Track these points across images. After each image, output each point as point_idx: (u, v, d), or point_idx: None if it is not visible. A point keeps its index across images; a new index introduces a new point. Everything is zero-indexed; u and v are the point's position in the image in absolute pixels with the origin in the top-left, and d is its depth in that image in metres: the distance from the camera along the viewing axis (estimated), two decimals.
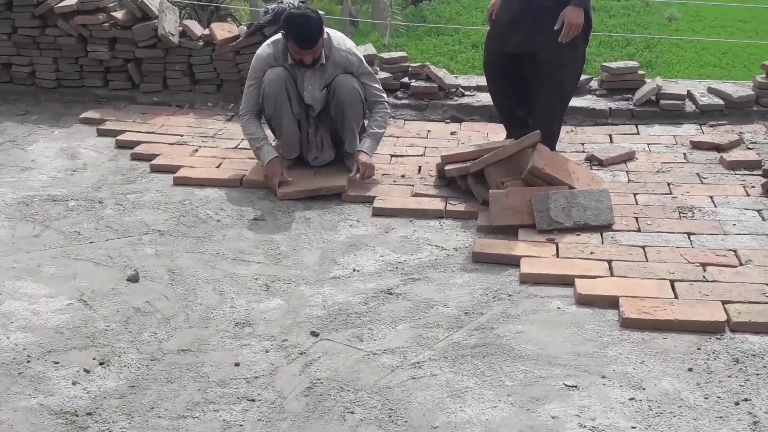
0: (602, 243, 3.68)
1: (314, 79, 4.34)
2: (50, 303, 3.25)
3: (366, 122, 4.49)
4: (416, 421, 2.57)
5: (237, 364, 2.87)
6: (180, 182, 4.42)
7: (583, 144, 4.90)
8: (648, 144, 4.91)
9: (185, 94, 5.69)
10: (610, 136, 5.08)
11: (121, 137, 5.02)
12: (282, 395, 2.70)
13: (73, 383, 2.75)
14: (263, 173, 4.31)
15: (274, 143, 4.51)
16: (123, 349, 2.96)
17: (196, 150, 4.83)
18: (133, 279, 3.44)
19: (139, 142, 4.92)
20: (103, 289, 3.37)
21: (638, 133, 5.11)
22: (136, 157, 4.77)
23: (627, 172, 4.51)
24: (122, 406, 2.64)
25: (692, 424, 2.54)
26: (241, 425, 2.55)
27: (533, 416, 2.58)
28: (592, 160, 4.63)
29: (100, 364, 2.87)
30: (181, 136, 5.05)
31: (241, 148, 4.85)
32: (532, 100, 4.47)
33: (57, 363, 2.87)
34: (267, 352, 2.95)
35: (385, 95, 4.50)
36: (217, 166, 4.59)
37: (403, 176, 4.46)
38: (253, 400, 2.67)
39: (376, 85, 4.46)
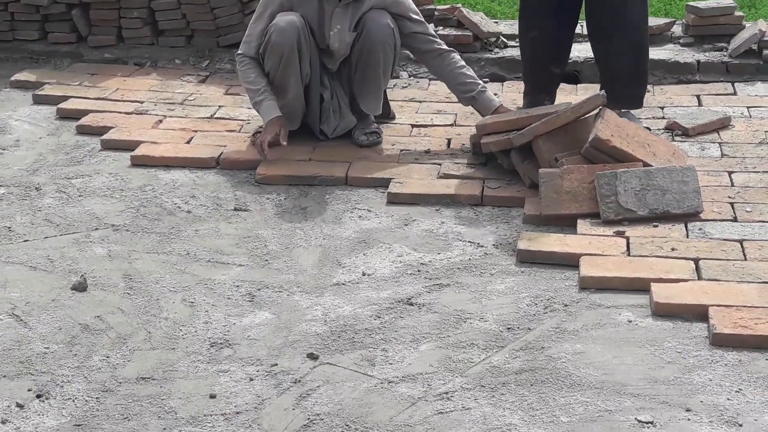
0: (687, 237, 3.66)
1: (345, 16, 4.36)
2: None
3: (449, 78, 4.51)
4: None
5: (213, 396, 2.88)
6: (139, 162, 4.45)
7: (662, 108, 4.88)
8: (747, 107, 4.88)
9: (146, 49, 5.72)
10: (697, 97, 5.04)
11: (63, 105, 5.06)
12: None
13: (2, 422, 2.78)
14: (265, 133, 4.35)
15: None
16: (67, 377, 2.98)
17: (160, 121, 4.86)
18: (80, 287, 3.46)
19: (86, 112, 4.96)
20: (40, 301, 3.40)
21: (735, 94, 5.07)
22: (82, 131, 4.80)
23: (720, 144, 4.48)
24: None
25: None
26: None
27: None
28: (675, 129, 4.60)
29: (38, 396, 2.89)
30: (141, 103, 5.07)
31: (217, 118, 4.87)
32: (599, 46, 4.48)
33: None
34: (251, 380, 2.96)
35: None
36: (187, 142, 4.62)
37: (427, 152, 4.47)
38: None
39: (430, 31, 4.52)
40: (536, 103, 4.53)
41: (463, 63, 4.54)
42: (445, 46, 4.54)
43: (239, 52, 4.47)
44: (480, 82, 4.51)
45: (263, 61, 4.41)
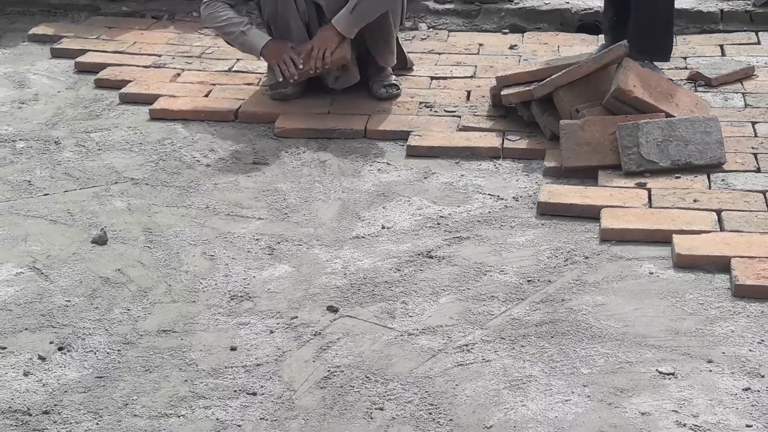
0: (709, 188, 3.63)
1: None
2: None
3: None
4: (464, 419, 2.58)
5: (233, 349, 2.89)
6: (158, 116, 4.44)
7: (685, 58, 4.82)
8: None
9: (163, 2, 5.67)
10: (721, 47, 4.98)
11: (81, 59, 5.04)
12: (291, 387, 2.73)
13: (25, 374, 2.80)
14: (268, 60, 4.28)
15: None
16: (88, 329, 3.00)
17: (178, 74, 4.84)
18: (100, 241, 3.47)
19: (104, 65, 4.94)
20: (61, 254, 3.41)
21: (759, 43, 5.00)
22: (101, 85, 4.79)
23: (743, 94, 4.43)
24: (87, 402, 2.68)
25: None
26: (239, 425, 2.58)
27: (617, 412, 2.57)
28: (698, 80, 4.55)
29: (59, 349, 2.91)
30: (159, 56, 5.05)
31: (235, 71, 4.84)
32: None
33: (4, 348, 2.91)
34: (272, 332, 2.97)
35: None
36: (206, 95, 4.60)
37: (447, 105, 4.43)
38: (254, 394, 2.70)
39: None
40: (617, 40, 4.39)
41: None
42: None
43: None
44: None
45: (260, 11, 4.38)
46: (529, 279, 3.19)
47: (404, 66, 4.69)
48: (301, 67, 4.25)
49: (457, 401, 2.65)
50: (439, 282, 3.19)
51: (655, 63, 4.51)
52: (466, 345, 2.88)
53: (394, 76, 4.51)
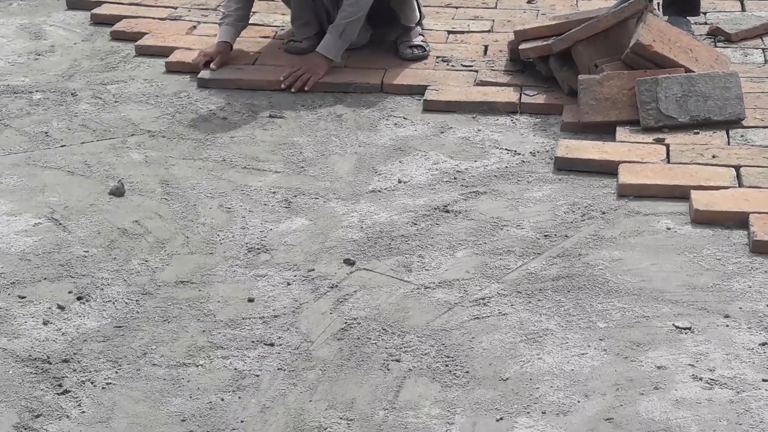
0: (728, 144, 3.61)
1: None
2: (12, 223, 3.31)
3: None
4: (480, 371, 2.59)
5: (251, 300, 2.91)
6: (174, 68, 4.43)
7: (705, 13, 4.77)
8: None
9: None
10: (741, 2, 4.93)
11: (97, 11, 5.03)
12: (308, 339, 2.74)
13: (45, 323, 2.82)
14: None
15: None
16: (106, 280, 3.01)
17: (194, 27, 4.82)
18: (118, 192, 3.48)
19: (120, 17, 4.92)
20: (79, 206, 3.42)
21: None
22: (117, 37, 4.77)
23: (764, 50, 4.40)
24: (107, 352, 2.70)
25: None
26: (257, 375, 2.60)
27: (633, 366, 2.58)
28: (717, 35, 4.52)
29: (78, 299, 2.92)
30: (175, 8, 5.03)
31: (251, 24, 4.80)
32: None
33: (23, 298, 2.93)
34: (289, 284, 2.98)
35: None
36: None
37: (464, 59, 4.40)
38: (272, 345, 2.71)
39: None
40: None
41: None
42: None
43: None
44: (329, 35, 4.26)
45: None
46: (546, 234, 3.18)
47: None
48: (213, 67, 4.29)
49: (473, 354, 2.66)
50: (455, 236, 3.19)
51: (687, 17, 4.49)
52: (483, 299, 2.89)
53: (422, 37, 4.46)
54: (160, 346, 2.71)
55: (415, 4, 4.44)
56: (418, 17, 4.46)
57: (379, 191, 3.48)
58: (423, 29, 4.55)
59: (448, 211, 3.34)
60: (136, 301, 2.91)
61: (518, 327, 2.76)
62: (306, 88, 4.18)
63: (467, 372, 2.59)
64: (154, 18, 4.90)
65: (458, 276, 3.00)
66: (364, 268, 3.05)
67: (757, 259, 3.00)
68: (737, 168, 3.42)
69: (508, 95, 4.07)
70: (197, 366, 2.64)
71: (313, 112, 4.06)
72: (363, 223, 3.29)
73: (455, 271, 3.02)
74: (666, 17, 4.48)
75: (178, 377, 2.59)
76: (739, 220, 3.15)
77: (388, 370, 2.61)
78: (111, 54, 4.61)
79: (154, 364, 2.64)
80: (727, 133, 3.67)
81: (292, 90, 4.18)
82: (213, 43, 4.40)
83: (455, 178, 3.54)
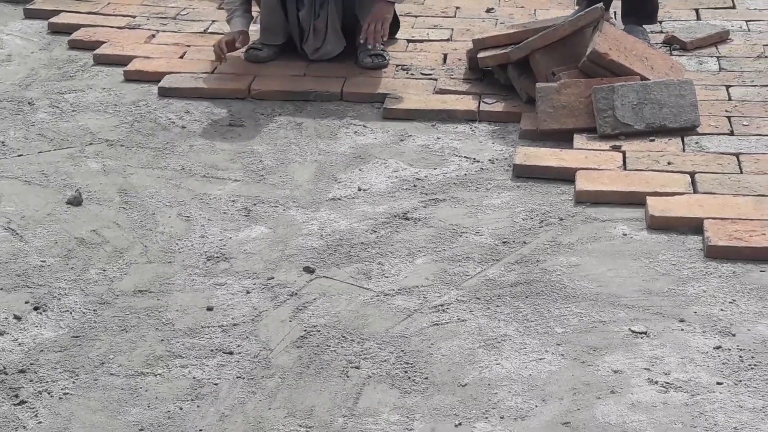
0: (683, 150, 3.66)
1: None
2: None
3: None
4: (439, 377, 2.60)
5: (210, 309, 2.90)
6: (133, 77, 4.41)
7: (660, 22, 4.82)
8: (746, 21, 4.84)
9: None
10: (696, 11, 4.99)
11: (55, 19, 4.99)
12: (268, 347, 2.74)
13: (1, 333, 2.79)
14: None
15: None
16: (64, 290, 2.99)
17: (153, 36, 4.80)
18: (75, 202, 3.45)
19: (78, 26, 4.89)
20: (36, 215, 3.39)
21: (734, 7, 5.02)
22: (75, 45, 4.75)
23: (718, 58, 4.45)
24: (64, 362, 2.68)
25: None
26: (216, 384, 2.59)
27: (590, 370, 2.61)
28: (673, 43, 4.57)
29: (35, 309, 2.90)
30: (134, 17, 5.00)
31: (210, 33, 4.81)
32: None
33: None
34: (248, 293, 2.98)
35: None
36: (181, 57, 4.57)
37: (423, 68, 4.42)
38: (230, 353, 2.71)
39: None
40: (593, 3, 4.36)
41: None
42: None
43: None
44: None
45: None
46: (505, 240, 3.21)
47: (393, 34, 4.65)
48: (239, 45, 4.34)
49: (432, 360, 2.67)
50: (415, 243, 3.21)
51: (644, 25, 4.54)
52: (442, 305, 2.90)
53: (381, 46, 4.47)
54: (117, 356, 2.70)
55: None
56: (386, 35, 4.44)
57: (339, 199, 3.49)
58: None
59: (407, 219, 3.35)
60: (94, 310, 2.89)
61: (477, 333, 2.77)
62: (384, 38, 4.27)
63: (426, 378, 2.60)
64: (112, 27, 4.88)
65: (417, 283, 3.01)
66: (323, 276, 3.06)
67: (711, 264, 3.04)
68: (692, 174, 3.47)
69: (467, 103, 4.10)
70: (155, 375, 2.62)
71: (272, 120, 4.06)
72: (323, 231, 3.29)
73: (415, 278, 3.03)
74: (623, 26, 4.53)
75: (136, 387, 2.58)
76: (694, 226, 3.19)
77: (348, 377, 2.61)
78: (69, 63, 4.58)
79: (111, 374, 2.63)
80: (683, 140, 3.71)
81: (376, 45, 4.25)
82: (230, 34, 4.37)
83: (415, 186, 3.56)
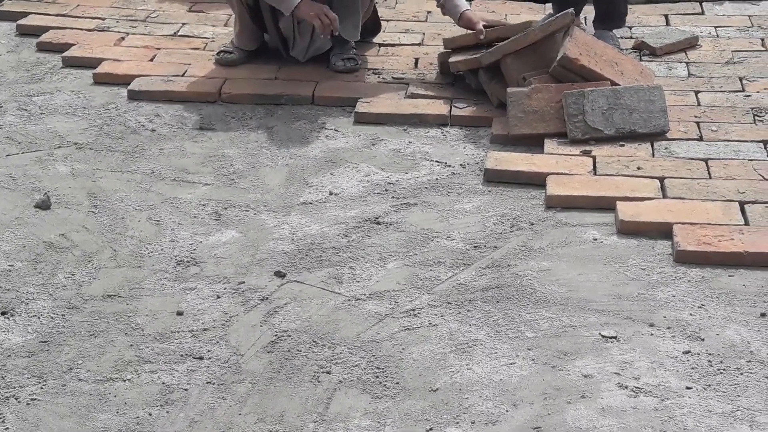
0: (653, 156, 3.68)
1: None
2: None
3: None
4: (410, 382, 2.60)
5: (180, 313, 2.89)
6: (102, 80, 4.38)
7: (630, 28, 4.86)
8: (715, 27, 4.88)
9: None
10: (665, 17, 5.03)
11: (23, 21, 4.95)
12: (238, 352, 2.73)
13: None
14: (305, 18, 4.16)
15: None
16: (32, 294, 2.97)
17: (123, 38, 4.77)
18: (43, 205, 3.43)
19: (47, 28, 4.86)
20: (3, 219, 3.36)
21: (702, 13, 5.06)
22: (43, 48, 4.71)
23: (687, 63, 4.49)
24: (31, 367, 2.66)
25: (764, 383, 2.58)
26: (185, 389, 2.58)
27: (560, 375, 2.62)
28: (642, 49, 4.60)
29: (2, 313, 2.88)
30: (103, 19, 4.98)
31: (181, 36, 4.79)
32: None
33: None
34: (218, 297, 2.96)
35: None
36: (151, 59, 4.55)
37: (395, 72, 4.42)
38: (200, 358, 2.69)
39: None
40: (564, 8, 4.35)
41: None
42: None
43: None
44: None
45: None
46: (476, 245, 3.22)
47: (373, 33, 4.63)
48: (337, 22, 4.16)
49: (403, 365, 2.67)
50: (386, 248, 3.21)
51: (613, 30, 4.57)
52: (413, 310, 2.90)
53: (354, 50, 4.46)
54: (86, 361, 2.68)
55: (360, 22, 4.39)
56: (358, 37, 4.42)
57: (311, 203, 3.48)
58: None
59: (379, 223, 3.35)
60: (62, 315, 2.87)
61: (448, 338, 2.78)
62: (336, 33, 4.18)
63: (397, 383, 2.60)
64: (81, 29, 4.85)
65: (389, 287, 3.01)
66: (294, 281, 3.05)
67: (680, 269, 3.06)
68: (661, 179, 3.49)
69: (439, 108, 4.11)
70: (124, 381, 2.61)
71: (243, 124, 4.05)
72: (294, 236, 3.28)
73: (386, 283, 3.03)
74: (593, 31, 4.56)
75: (104, 392, 2.56)
76: (663, 231, 3.21)
77: (319, 382, 2.61)
78: (37, 65, 4.54)
79: (80, 379, 2.61)
80: (652, 146, 3.74)
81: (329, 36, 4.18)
82: (307, 6, 4.10)
83: (386, 190, 3.56)
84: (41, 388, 2.57)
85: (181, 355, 2.70)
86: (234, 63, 4.39)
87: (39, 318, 2.86)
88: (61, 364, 2.67)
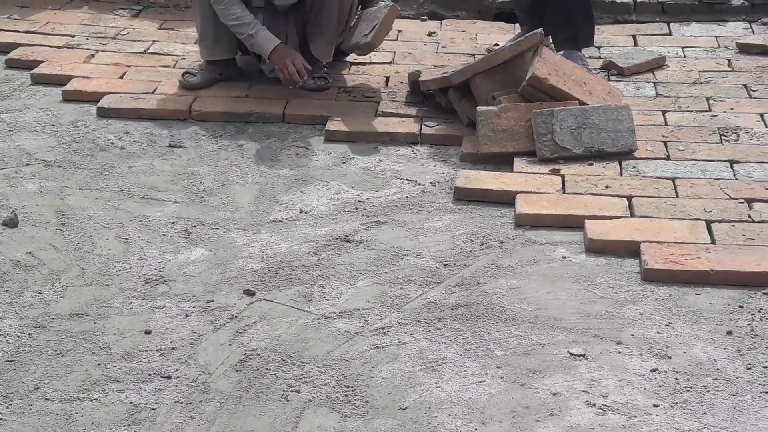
0: (621, 175, 3.71)
1: None
2: None
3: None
4: (380, 400, 2.60)
5: (148, 332, 2.87)
6: (71, 97, 4.37)
7: (599, 48, 4.90)
8: (682, 47, 4.93)
9: None
10: (633, 37, 5.08)
11: None
12: (207, 371, 2.72)
13: None
14: (275, 66, 4.21)
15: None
16: None
17: (92, 55, 4.76)
18: (11, 223, 3.40)
19: (16, 45, 4.84)
20: None
21: (670, 34, 5.12)
22: (12, 65, 4.69)
23: (655, 83, 4.53)
24: None
25: (731, 400, 2.60)
26: (153, 409, 2.56)
27: (529, 393, 2.62)
28: (611, 69, 4.64)
29: None
30: (72, 37, 4.96)
31: (151, 53, 4.78)
32: None
33: None
34: (187, 316, 2.95)
35: None
36: (120, 77, 4.54)
37: (365, 91, 4.43)
38: (168, 377, 2.68)
39: None
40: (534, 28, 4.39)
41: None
42: None
43: None
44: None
45: None
46: (445, 263, 3.22)
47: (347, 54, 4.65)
48: (305, 77, 4.23)
49: (373, 383, 2.67)
50: (356, 266, 3.21)
51: (582, 50, 4.61)
52: (383, 328, 2.90)
53: (326, 69, 4.47)
54: (53, 380, 2.66)
55: (334, 43, 4.39)
56: (331, 58, 4.42)
57: (281, 221, 3.48)
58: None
59: (349, 241, 3.35)
60: (29, 334, 2.85)
61: (417, 356, 2.78)
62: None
63: (367, 402, 2.60)
64: (51, 46, 4.83)
65: (359, 306, 3.01)
66: (264, 299, 3.04)
67: (648, 287, 3.08)
68: (629, 198, 3.52)
69: (409, 126, 4.12)
70: (92, 400, 2.59)
71: (214, 141, 4.04)
72: (264, 254, 3.28)
73: (356, 301, 3.03)
74: (561, 51, 4.60)
75: (71, 412, 2.54)
76: (631, 249, 3.24)
77: (288, 401, 2.60)
78: (5, 82, 4.52)
79: (46, 399, 2.58)
80: (620, 165, 3.77)
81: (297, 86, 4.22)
82: (281, 53, 4.17)
83: (356, 208, 3.56)
84: (7, 407, 2.55)
85: (149, 374, 2.69)
86: (196, 86, 4.36)
87: (5, 337, 2.83)
88: (27, 383, 2.64)
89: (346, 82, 4.51)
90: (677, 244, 3.23)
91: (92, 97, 4.33)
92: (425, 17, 5.34)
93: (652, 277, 3.11)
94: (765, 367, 2.72)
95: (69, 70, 4.56)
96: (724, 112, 4.22)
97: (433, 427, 2.50)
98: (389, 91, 4.43)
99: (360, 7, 4.45)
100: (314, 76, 4.40)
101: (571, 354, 2.77)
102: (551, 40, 4.42)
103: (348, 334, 2.88)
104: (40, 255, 3.24)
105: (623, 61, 4.65)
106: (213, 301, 3.02)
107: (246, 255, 3.27)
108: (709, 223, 3.35)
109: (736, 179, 3.67)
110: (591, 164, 3.76)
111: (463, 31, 5.15)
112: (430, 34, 5.10)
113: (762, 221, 3.37)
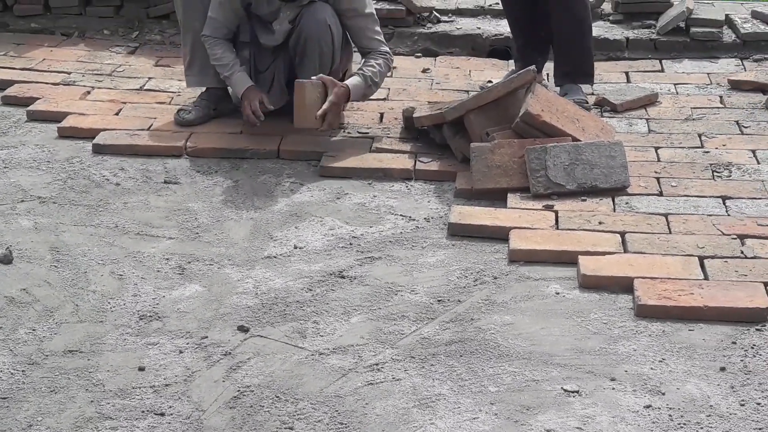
0: (614, 210, 3.73)
1: (292, 10, 4.26)
2: None
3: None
4: None
5: (141, 369, 2.87)
6: (67, 134, 4.39)
7: (591, 84, 4.93)
8: (675, 84, 4.97)
9: (73, 19, 5.61)
10: (626, 74, 5.12)
11: None
12: (200, 408, 2.71)
13: None
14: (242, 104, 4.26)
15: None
16: None
17: (88, 92, 4.79)
18: (5, 260, 3.41)
19: (12, 82, 4.87)
20: None
21: (662, 71, 5.16)
22: (8, 102, 4.72)
23: (647, 120, 4.56)
24: None
25: None
26: None
27: (523, 430, 2.62)
28: (604, 105, 4.67)
29: None
30: (69, 74, 4.99)
31: (147, 90, 4.81)
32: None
33: None
34: (181, 352, 2.95)
35: (386, 45, 4.40)
36: (116, 114, 4.56)
37: (360, 126, 4.46)
38: (162, 414, 2.67)
39: (375, 28, 4.35)
40: (530, 64, 4.42)
41: (384, 60, 4.32)
42: (381, 48, 4.34)
43: (203, 32, 4.31)
44: (368, 71, 4.27)
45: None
46: (439, 299, 3.23)
47: None
48: (262, 118, 4.24)
49: (366, 420, 2.66)
50: (350, 302, 3.22)
51: (581, 86, 4.65)
52: (377, 364, 2.90)
53: None
54: (46, 418, 2.65)
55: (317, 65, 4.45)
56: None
57: (275, 257, 3.49)
58: None
59: (343, 277, 3.36)
60: (22, 371, 2.84)
61: (411, 392, 2.78)
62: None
63: None
64: (47, 83, 4.86)
65: (353, 342, 3.01)
66: (258, 335, 3.05)
67: (641, 323, 3.09)
68: (622, 234, 3.54)
69: (403, 162, 4.15)
70: None
71: (209, 177, 4.06)
72: (258, 290, 3.29)
73: (350, 337, 3.03)
74: (559, 87, 4.64)
75: None
76: (625, 285, 3.24)
77: None
78: (1, 119, 4.54)
79: None
80: (613, 201, 3.79)
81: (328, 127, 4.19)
82: (247, 95, 4.23)
83: (351, 244, 3.58)
84: None
85: (143, 411, 2.68)
86: (191, 123, 4.39)
87: None
88: (20, 420, 2.64)
89: (341, 118, 4.54)
90: (670, 279, 3.24)
91: (88, 134, 4.36)
92: (419, 54, 5.39)
93: (645, 313, 3.12)
94: (758, 404, 2.72)
95: (65, 107, 4.59)
96: (717, 148, 4.25)
97: None
98: (384, 127, 4.46)
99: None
100: None
101: (565, 390, 2.77)
102: (545, 77, 4.47)
103: (342, 370, 2.88)
104: (34, 291, 3.25)
105: (616, 97, 4.69)
106: (207, 337, 3.02)
107: (240, 291, 3.28)
108: (702, 259, 3.37)
109: (729, 215, 3.69)
110: (584, 200, 3.78)
111: (457, 67, 5.19)
112: (424, 71, 5.14)
113: (755, 257, 3.39)
